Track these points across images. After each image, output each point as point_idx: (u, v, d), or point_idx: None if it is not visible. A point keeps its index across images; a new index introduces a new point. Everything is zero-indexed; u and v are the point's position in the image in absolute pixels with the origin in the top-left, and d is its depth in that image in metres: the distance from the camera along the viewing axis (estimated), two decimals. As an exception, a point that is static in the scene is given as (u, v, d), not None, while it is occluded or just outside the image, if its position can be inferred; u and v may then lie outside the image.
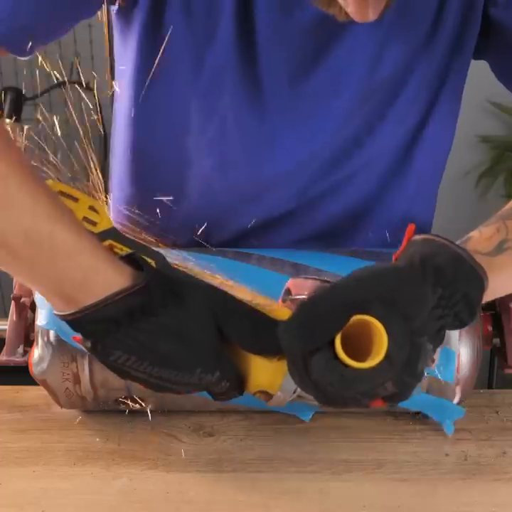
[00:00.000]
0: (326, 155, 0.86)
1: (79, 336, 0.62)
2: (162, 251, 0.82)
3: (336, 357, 0.57)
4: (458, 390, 0.79)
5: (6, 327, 0.88)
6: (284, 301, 0.67)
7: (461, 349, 0.78)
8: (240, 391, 0.65)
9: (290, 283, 0.68)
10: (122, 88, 0.86)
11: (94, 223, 0.67)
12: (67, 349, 0.77)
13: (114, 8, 0.81)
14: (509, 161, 2.23)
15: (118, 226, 0.92)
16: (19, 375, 0.85)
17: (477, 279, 0.61)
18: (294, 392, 0.65)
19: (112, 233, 0.68)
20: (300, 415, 0.81)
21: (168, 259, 0.67)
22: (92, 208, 0.68)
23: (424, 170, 0.92)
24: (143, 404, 0.81)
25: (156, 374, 0.61)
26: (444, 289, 0.59)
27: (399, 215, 0.93)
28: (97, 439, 0.81)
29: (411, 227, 0.66)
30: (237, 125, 0.84)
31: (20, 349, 0.88)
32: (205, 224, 0.88)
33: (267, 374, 0.65)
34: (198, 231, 0.88)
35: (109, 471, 0.76)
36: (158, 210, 0.86)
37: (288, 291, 0.67)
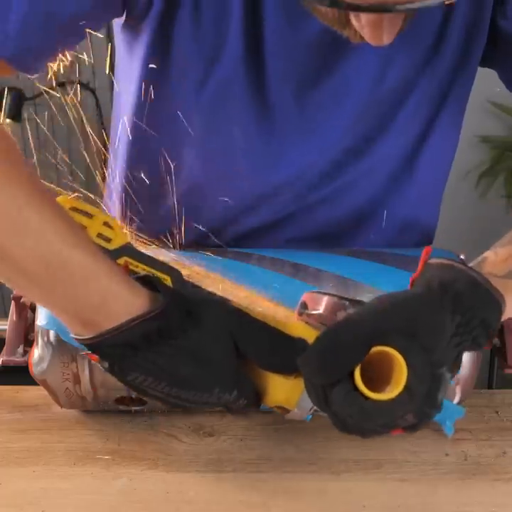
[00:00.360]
0: (326, 164, 0.87)
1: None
2: (162, 252, 0.82)
3: (355, 387, 0.57)
4: (458, 390, 0.79)
5: (6, 327, 0.88)
6: (300, 314, 0.67)
7: (461, 349, 0.77)
8: (257, 406, 0.66)
9: (306, 297, 0.67)
10: (125, 96, 0.86)
11: (108, 240, 0.67)
12: (67, 349, 0.77)
13: (120, 21, 0.81)
14: (509, 161, 2.23)
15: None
16: (19, 375, 0.85)
17: (494, 303, 0.61)
18: (311, 409, 0.65)
19: (127, 249, 0.67)
20: (300, 415, 0.81)
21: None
22: (106, 224, 0.67)
23: (426, 180, 0.92)
24: (143, 404, 0.81)
25: (175, 394, 0.62)
26: (462, 315, 0.59)
27: (401, 218, 0.94)
28: (97, 439, 0.81)
29: (427, 249, 0.66)
30: (244, 137, 0.84)
31: (20, 349, 0.88)
32: (204, 228, 0.88)
33: (284, 391, 0.65)
34: (197, 234, 0.88)
35: (109, 471, 0.76)
36: (156, 214, 0.86)
37: (304, 305, 0.67)
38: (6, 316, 0.88)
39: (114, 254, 0.66)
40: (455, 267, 0.62)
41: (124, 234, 0.68)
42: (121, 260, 0.67)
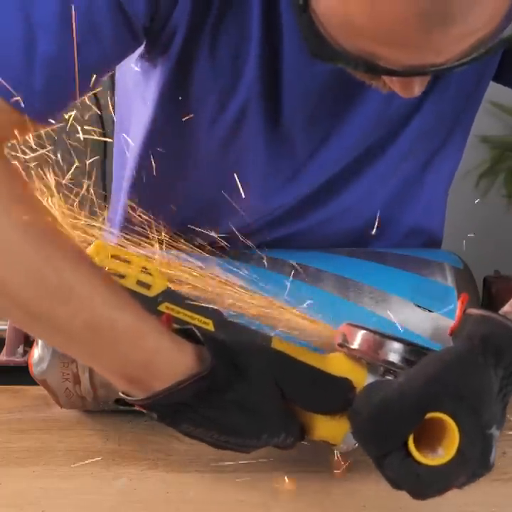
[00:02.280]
0: (324, 185, 0.88)
1: None
2: (161, 252, 0.82)
3: (407, 452, 0.57)
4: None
5: (6, 327, 0.88)
6: (341, 346, 0.67)
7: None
8: (302, 440, 0.67)
9: (344, 328, 0.68)
10: (136, 117, 0.86)
11: (148, 286, 0.67)
12: (67, 349, 0.77)
13: (136, 53, 0.78)
14: (509, 161, 2.23)
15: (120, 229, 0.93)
16: (19, 375, 0.86)
17: None
18: (356, 443, 0.65)
19: (167, 295, 0.67)
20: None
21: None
22: (144, 270, 0.67)
23: (432, 194, 0.94)
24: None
25: (224, 439, 0.63)
26: (504, 369, 0.60)
27: (406, 228, 0.95)
28: (97, 439, 0.81)
29: (463, 298, 0.66)
30: (254, 164, 0.84)
31: (20, 349, 0.88)
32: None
33: (330, 430, 0.66)
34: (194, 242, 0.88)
35: (109, 471, 0.76)
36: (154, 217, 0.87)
37: (344, 337, 0.67)
38: (6, 316, 0.88)
39: (155, 301, 0.66)
40: (493, 319, 0.61)
41: (163, 279, 0.68)
42: (163, 306, 0.67)
